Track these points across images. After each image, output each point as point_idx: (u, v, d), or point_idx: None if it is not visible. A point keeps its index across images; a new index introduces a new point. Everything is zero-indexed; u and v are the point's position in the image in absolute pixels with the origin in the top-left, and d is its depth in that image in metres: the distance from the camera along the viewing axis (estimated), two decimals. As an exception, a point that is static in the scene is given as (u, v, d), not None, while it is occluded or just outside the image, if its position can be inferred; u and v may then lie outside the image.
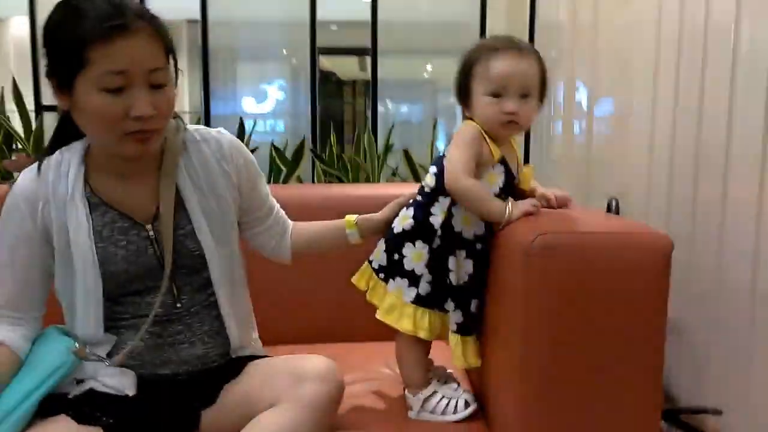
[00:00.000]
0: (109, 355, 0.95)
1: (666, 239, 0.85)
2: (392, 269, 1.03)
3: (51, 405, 0.91)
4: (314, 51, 2.38)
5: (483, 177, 0.99)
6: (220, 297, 1.00)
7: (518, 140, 1.08)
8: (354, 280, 1.10)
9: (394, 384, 1.15)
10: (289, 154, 2.31)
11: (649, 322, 0.85)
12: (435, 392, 1.03)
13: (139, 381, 0.95)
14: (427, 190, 1.03)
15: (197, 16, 2.43)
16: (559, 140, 2.35)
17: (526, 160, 2.36)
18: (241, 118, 2.35)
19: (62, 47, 0.84)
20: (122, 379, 0.94)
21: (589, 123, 2.00)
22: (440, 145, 2.60)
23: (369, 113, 2.53)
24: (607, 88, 1.87)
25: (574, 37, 2.16)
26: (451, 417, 1.02)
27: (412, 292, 1.00)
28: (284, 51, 2.91)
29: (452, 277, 1.00)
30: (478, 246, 1.01)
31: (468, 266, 1.00)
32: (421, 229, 1.01)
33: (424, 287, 1.00)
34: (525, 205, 0.96)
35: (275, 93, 3.07)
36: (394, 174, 2.39)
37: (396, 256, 1.03)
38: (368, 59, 2.48)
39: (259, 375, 0.97)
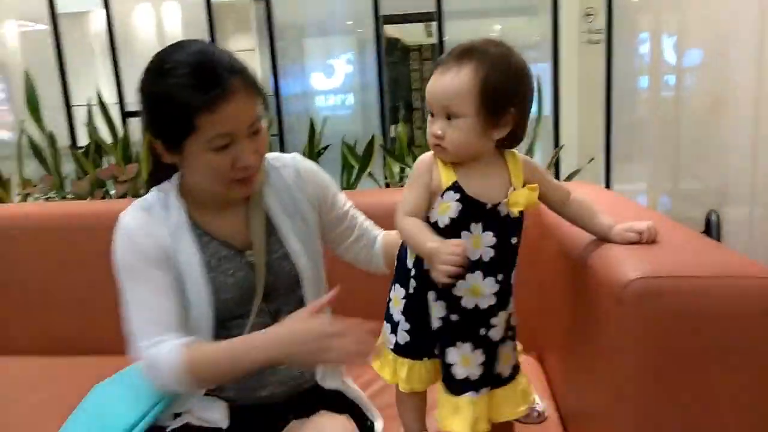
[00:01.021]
0: None
1: None
2: (386, 311, 0.97)
3: None
4: (378, 21, 2.34)
5: (434, 206, 0.88)
6: None
7: (520, 155, 0.90)
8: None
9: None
10: (359, 149, 2.29)
11: (764, 375, 0.76)
12: None
13: (231, 411, 0.99)
14: None
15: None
16: (645, 97, 2.19)
17: (608, 125, 2.19)
18: (311, 120, 2.35)
19: (168, 115, 0.87)
20: (215, 411, 0.98)
21: (678, 78, 1.84)
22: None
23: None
24: (697, 38, 1.71)
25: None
26: None
27: (393, 339, 0.94)
28: (349, 22, 2.89)
29: (432, 322, 0.90)
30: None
31: (439, 310, 0.88)
32: (399, 271, 0.94)
33: (402, 336, 0.93)
34: (448, 248, 0.78)
35: (343, 67, 3.07)
36: None
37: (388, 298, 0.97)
38: (434, 24, 2.40)
39: None
